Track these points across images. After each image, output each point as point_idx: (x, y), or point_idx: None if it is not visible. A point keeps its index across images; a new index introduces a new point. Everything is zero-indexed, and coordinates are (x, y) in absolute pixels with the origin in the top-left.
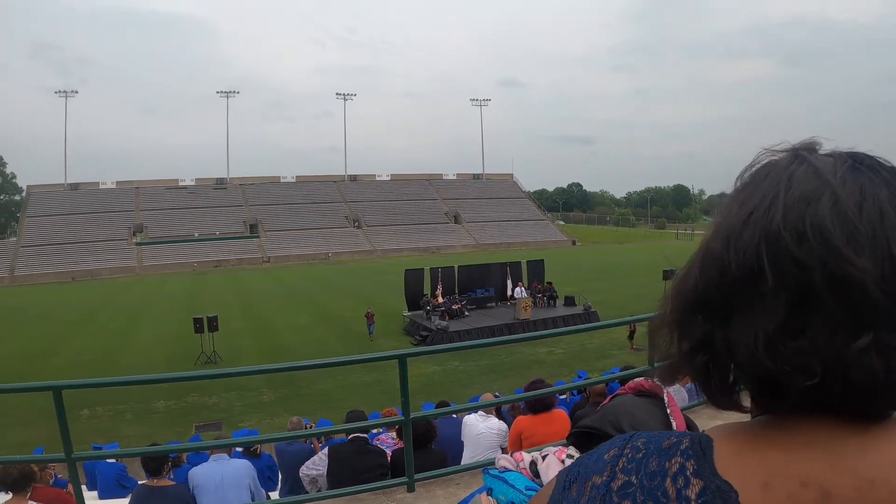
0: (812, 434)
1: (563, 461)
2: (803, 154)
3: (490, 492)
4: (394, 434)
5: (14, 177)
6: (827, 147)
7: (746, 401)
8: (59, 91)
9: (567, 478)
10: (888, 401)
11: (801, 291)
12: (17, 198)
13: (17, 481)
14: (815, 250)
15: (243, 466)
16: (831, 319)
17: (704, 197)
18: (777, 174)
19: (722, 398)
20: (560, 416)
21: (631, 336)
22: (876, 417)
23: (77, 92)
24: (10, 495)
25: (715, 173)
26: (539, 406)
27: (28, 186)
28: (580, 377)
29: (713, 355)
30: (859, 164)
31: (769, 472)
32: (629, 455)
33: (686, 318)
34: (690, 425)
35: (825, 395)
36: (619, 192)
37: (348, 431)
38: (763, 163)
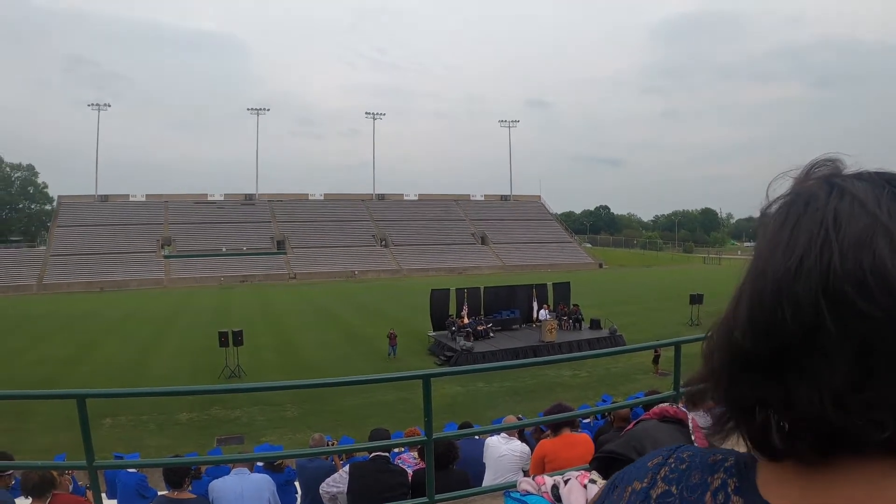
0: (858, 465)
1: (584, 486)
2: (839, 183)
3: None
4: (415, 454)
5: (45, 187)
6: (850, 166)
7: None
8: (93, 104)
9: (613, 481)
10: None
11: (865, 342)
12: (48, 207)
13: (37, 486)
14: (880, 300)
15: (263, 481)
16: None
17: (732, 221)
18: (818, 210)
19: (782, 451)
20: (584, 440)
21: (656, 361)
22: None
23: (110, 105)
24: (29, 500)
25: (743, 197)
26: (561, 425)
27: (59, 197)
28: (604, 401)
29: (770, 413)
30: None
31: (810, 498)
32: (672, 465)
33: (735, 376)
34: None
35: (890, 441)
36: (646, 215)
37: (370, 450)
38: (794, 194)
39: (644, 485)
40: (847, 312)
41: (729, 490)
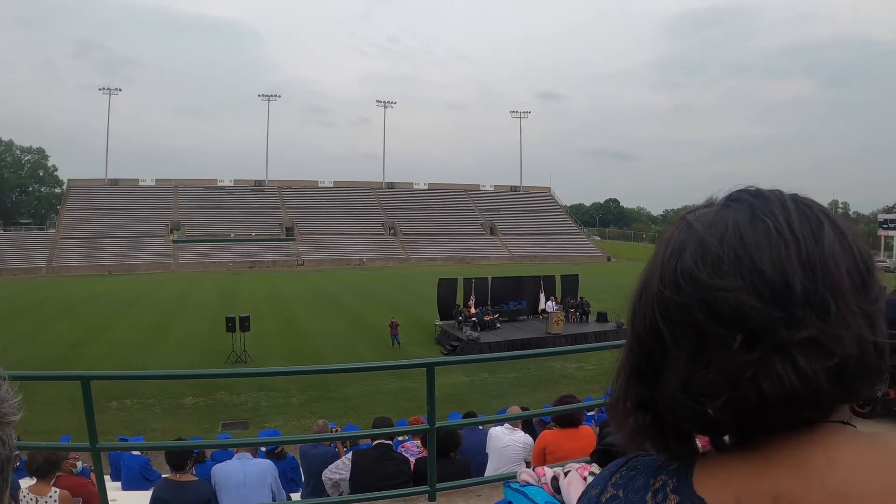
0: (782, 450)
1: (584, 478)
2: (687, 216)
3: None
4: (419, 442)
5: (55, 170)
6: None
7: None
8: (104, 88)
9: (585, 490)
10: (823, 403)
11: (693, 332)
12: (58, 191)
13: (41, 467)
14: (690, 292)
15: (266, 466)
16: (724, 343)
17: None
18: (661, 245)
19: (678, 449)
20: (587, 432)
21: None
22: (847, 426)
23: (121, 90)
24: (34, 480)
25: None
26: (566, 420)
27: (69, 180)
28: (608, 395)
29: (656, 413)
30: (731, 201)
31: (742, 488)
32: (624, 472)
33: (630, 390)
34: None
35: (753, 415)
36: (656, 209)
37: (373, 437)
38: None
39: (597, 491)
40: (671, 309)
41: (668, 489)
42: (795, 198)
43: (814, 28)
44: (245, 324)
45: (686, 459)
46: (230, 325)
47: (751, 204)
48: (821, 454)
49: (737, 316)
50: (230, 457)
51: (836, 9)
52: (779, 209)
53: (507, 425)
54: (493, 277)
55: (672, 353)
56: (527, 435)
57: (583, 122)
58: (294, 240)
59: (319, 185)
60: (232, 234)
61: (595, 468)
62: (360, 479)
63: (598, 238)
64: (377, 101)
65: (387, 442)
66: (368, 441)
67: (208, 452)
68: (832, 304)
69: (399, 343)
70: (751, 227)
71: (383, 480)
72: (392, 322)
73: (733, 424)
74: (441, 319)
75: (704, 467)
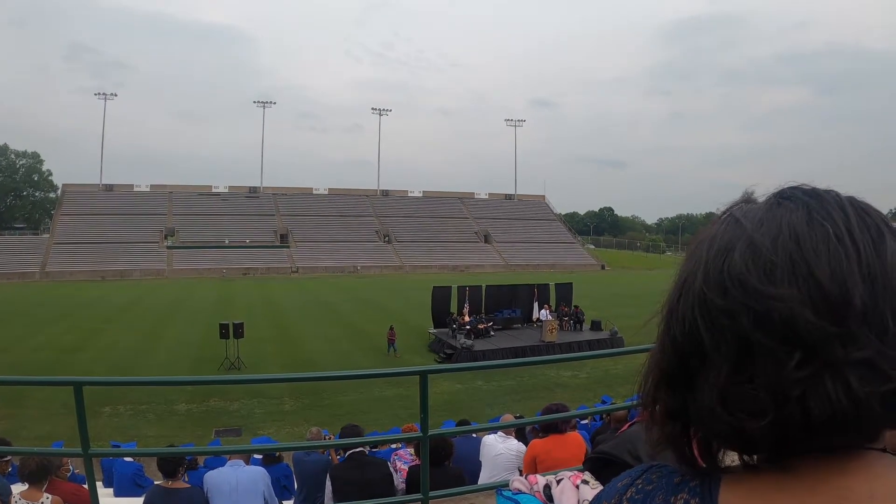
0: (821, 476)
1: (577, 486)
2: (732, 210)
3: None
4: (412, 450)
5: (50, 175)
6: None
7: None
8: (99, 93)
9: (592, 501)
10: (871, 428)
11: (738, 341)
12: (53, 195)
13: (34, 473)
14: (738, 297)
15: (258, 473)
16: (773, 357)
17: None
18: (704, 238)
19: (702, 462)
20: (575, 439)
21: None
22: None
23: (116, 95)
24: (26, 486)
25: None
26: (550, 428)
27: (63, 185)
28: (604, 402)
29: (686, 422)
30: (783, 198)
31: None
32: (640, 486)
33: (660, 392)
34: None
35: (795, 435)
36: (650, 218)
37: (369, 444)
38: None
39: None
40: (715, 315)
41: None
42: (853, 201)
43: (807, 36)
44: (239, 330)
45: (709, 476)
46: (224, 331)
47: (807, 204)
48: (863, 485)
49: (788, 328)
50: (223, 464)
51: (829, 17)
52: (838, 213)
53: (500, 433)
54: (487, 285)
55: (711, 361)
56: (520, 443)
57: (577, 129)
58: (288, 247)
59: (314, 192)
60: (226, 241)
61: (587, 476)
62: (345, 491)
63: (592, 246)
64: (372, 108)
65: (358, 449)
66: (357, 449)
67: (201, 459)
68: (891, 323)
69: (396, 350)
70: (808, 231)
71: (366, 487)
72: (390, 334)
73: (773, 444)
74: (435, 327)
75: (730, 488)
